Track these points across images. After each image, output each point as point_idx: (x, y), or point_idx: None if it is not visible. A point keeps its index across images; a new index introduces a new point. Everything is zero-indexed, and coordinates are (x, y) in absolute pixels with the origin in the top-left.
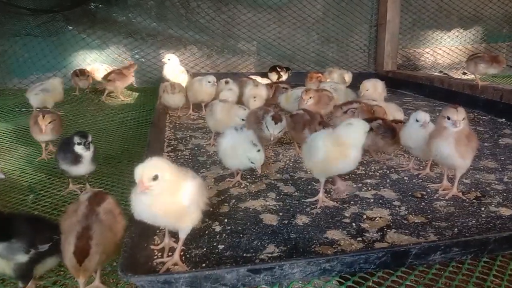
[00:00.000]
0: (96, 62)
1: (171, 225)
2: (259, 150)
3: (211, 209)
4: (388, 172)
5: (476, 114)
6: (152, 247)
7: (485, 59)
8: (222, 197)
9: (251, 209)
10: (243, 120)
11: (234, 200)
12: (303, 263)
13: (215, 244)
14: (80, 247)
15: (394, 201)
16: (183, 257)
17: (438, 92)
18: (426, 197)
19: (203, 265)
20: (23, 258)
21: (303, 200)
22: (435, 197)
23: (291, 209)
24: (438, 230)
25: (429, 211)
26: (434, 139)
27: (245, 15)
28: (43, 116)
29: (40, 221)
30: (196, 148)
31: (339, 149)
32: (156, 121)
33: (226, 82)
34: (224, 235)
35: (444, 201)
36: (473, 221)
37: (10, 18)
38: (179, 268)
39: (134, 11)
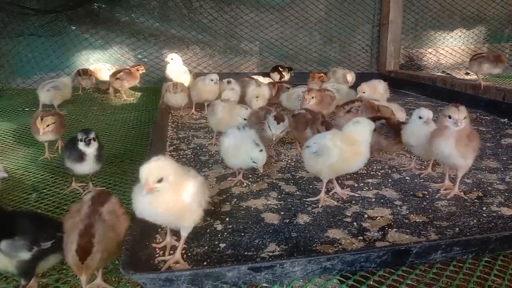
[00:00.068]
0: (99, 62)
1: (172, 224)
2: (261, 150)
3: (213, 208)
4: (389, 171)
5: (478, 114)
6: (154, 245)
7: (490, 59)
8: (224, 196)
9: (252, 208)
10: (245, 119)
11: (235, 199)
12: (304, 261)
13: (216, 242)
14: (83, 245)
15: (395, 201)
16: (185, 255)
17: (441, 92)
18: (427, 196)
19: (205, 263)
20: (26, 255)
21: (304, 199)
22: (436, 196)
23: (293, 208)
24: (439, 230)
25: (430, 211)
26: (435, 138)
27: (247, 15)
28: (42, 119)
29: (42, 218)
30: (198, 148)
31: (352, 148)
32: (158, 120)
33: (228, 82)
34: (225, 233)
35: (446, 201)
36: (475, 221)
37: (14, 18)
38: (181, 266)
39: (137, 11)
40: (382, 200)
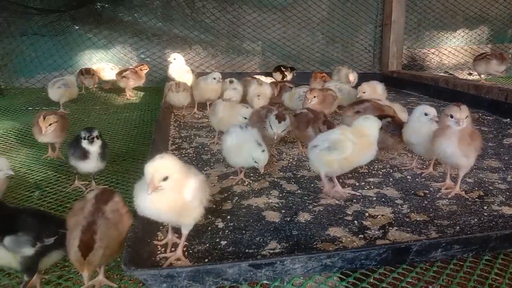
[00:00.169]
0: (102, 61)
1: (174, 221)
2: (263, 151)
3: (214, 206)
4: (391, 171)
5: (481, 114)
6: (156, 242)
7: (498, 57)
8: (225, 195)
9: (253, 206)
10: (245, 118)
11: (237, 198)
12: (304, 258)
13: (217, 240)
14: (85, 241)
15: (396, 200)
16: (186, 253)
17: (443, 93)
18: (428, 195)
19: (206, 260)
20: (29, 251)
21: (307, 196)
22: (437, 195)
23: (294, 206)
24: (440, 228)
25: (431, 210)
26: (437, 138)
27: (250, 15)
28: (44, 118)
29: (45, 215)
30: (200, 147)
31: (362, 140)
32: (161, 119)
33: (231, 82)
34: (226, 231)
35: (447, 200)
36: (475, 220)
37: (18, 17)
38: (182, 263)
39: (139, 11)
40: (383, 199)
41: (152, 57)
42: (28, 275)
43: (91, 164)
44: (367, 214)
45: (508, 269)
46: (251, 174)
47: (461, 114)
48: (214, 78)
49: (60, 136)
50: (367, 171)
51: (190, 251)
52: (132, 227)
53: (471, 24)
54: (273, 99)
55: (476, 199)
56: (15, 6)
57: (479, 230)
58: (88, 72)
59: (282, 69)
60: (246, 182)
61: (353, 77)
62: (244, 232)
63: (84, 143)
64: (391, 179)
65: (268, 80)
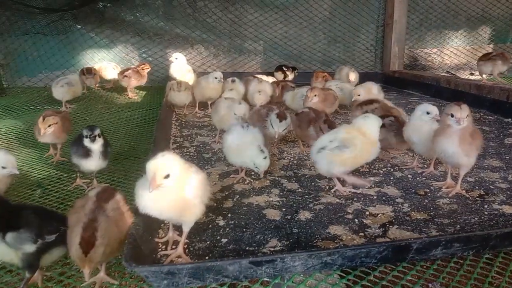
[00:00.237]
0: (103, 61)
1: (175, 219)
2: (265, 157)
3: (215, 204)
4: (392, 170)
5: (482, 114)
6: (157, 240)
7: (501, 58)
8: (226, 193)
9: (254, 205)
10: (235, 114)
11: (238, 196)
12: (304, 256)
13: (218, 237)
14: (86, 238)
15: (397, 198)
16: (187, 250)
17: (445, 92)
18: (429, 194)
19: (206, 257)
20: (30, 248)
21: (309, 194)
22: (438, 194)
23: (294, 205)
24: (440, 227)
25: (432, 208)
26: (438, 137)
27: (252, 15)
28: (44, 119)
29: (47, 212)
30: (201, 145)
31: (366, 138)
32: (162, 118)
33: (233, 81)
34: (227, 229)
35: (447, 199)
36: (476, 218)
37: (20, 16)
38: (183, 260)
39: (141, 11)
40: (383, 198)
41: (154, 56)
42: (29, 272)
43: (93, 162)
44: (367, 213)
45: (508, 267)
46: (252, 173)
47: (462, 113)
48: (216, 78)
49: (61, 137)
50: (368, 170)
51: (191, 249)
52: (133, 224)
53: (473, 24)
54: (275, 98)
55: (477, 198)
56: (18, 5)
57: (480, 228)
58: (89, 71)
59: (284, 68)
60: (247, 181)
61: (353, 76)
62: (244, 230)
63: (86, 142)
64: (392, 178)
65: (270, 79)
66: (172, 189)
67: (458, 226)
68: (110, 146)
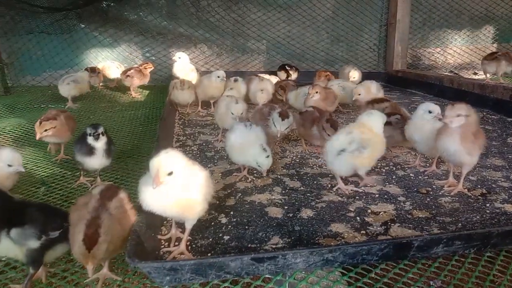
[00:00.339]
0: (107, 60)
1: (178, 216)
2: (268, 156)
3: (218, 202)
4: (394, 168)
5: (485, 114)
6: (159, 237)
7: (506, 57)
8: (229, 191)
9: (256, 203)
10: (232, 114)
11: (240, 194)
12: (306, 253)
13: (220, 235)
14: (90, 234)
15: (399, 197)
16: (189, 247)
17: (448, 92)
18: (431, 193)
19: (209, 254)
20: (35, 244)
21: (311, 193)
22: (440, 193)
23: (296, 203)
24: (442, 225)
25: (433, 207)
26: (439, 135)
27: (255, 14)
28: (40, 123)
29: (51, 209)
30: (204, 144)
31: (375, 134)
32: (165, 117)
33: (235, 80)
34: (229, 226)
35: (449, 197)
36: (478, 217)
37: (24, 16)
38: (185, 257)
39: (145, 10)
40: (385, 196)
41: (157, 55)
42: (33, 268)
43: (97, 160)
44: (369, 211)
45: (509, 266)
46: (255, 172)
47: (449, 112)
48: (218, 77)
49: (65, 136)
50: (370, 168)
51: (194, 246)
52: (136, 222)
53: (476, 24)
54: (277, 98)
55: (479, 197)
56: (22, 5)
57: (481, 227)
58: (93, 70)
59: (287, 68)
60: (250, 179)
61: (353, 75)
62: (247, 227)
63: (90, 140)
64: (394, 177)
65: (273, 79)
66: (175, 186)
67: (460, 224)
68: (114, 144)
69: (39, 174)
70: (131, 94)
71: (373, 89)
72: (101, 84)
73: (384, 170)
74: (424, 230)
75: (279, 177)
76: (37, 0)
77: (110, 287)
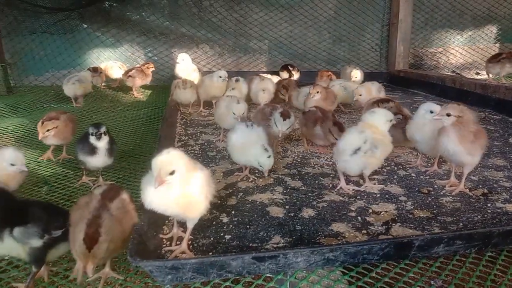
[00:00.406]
0: (109, 60)
1: (180, 215)
2: (269, 156)
3: (219, 201)
4: (395, 168)
5: (487, 114)
6: (161, 236)
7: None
8: (230, 190)
9: (258, 202)
10: (234, 114)
11: (241, 193)
12: (307, 252)
13: (222, 234)
14: (90, 233)
15: (400, 196)
16: (191, 246)
17: (450, 92)
18: (432, 193)
19: (210, 253)
20: (37, 242)
21: (313, 192)
22: (441, 193)
23: (298, 202)
24: (443, 225)
25: (435, 206)
26: (438, 136)
27: (257, 14)
28: (42, 123)
29: (54, 208)
30: (206, 144)
31: (382, 133)
32: (167, 117)
33: (237, 80)
34: (231, 226)
35: (451, 197)
36: (479, 217)
37: (27, 16)
38: (187, 256)
39: (147, 10)
40: (387, 196)
41: (160, 55)
42: (36, 266)
43: (99, 160)
44: (370, 211)
45: (510, 266)
46: (256, 171)
47: (442, 110)
48: (220, 77)
49: (66, 138)
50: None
51: (195, 245)
52: (138, 220)
53: (479, 23)
54: (280, 97)
55: (480, 197)
56: (25, 5)
57: (482, 226)
58: (95, 70)
59: (290, 68)
60: (251, 179)
61: (355, 74)
62: (248, 226)
63: (92, 139)
64: (395, 177)
65: (274, 78)
66: (178, 185)
67: (461, 224)
68: (116, 143)
69: (41, 173)
70: (133, 94)
71: (374, 90)
72: (103, 84)
73: (385, 170)
74: (425, 230)
75: (280, 176)
76: (40, 0)
77: (112, 286)
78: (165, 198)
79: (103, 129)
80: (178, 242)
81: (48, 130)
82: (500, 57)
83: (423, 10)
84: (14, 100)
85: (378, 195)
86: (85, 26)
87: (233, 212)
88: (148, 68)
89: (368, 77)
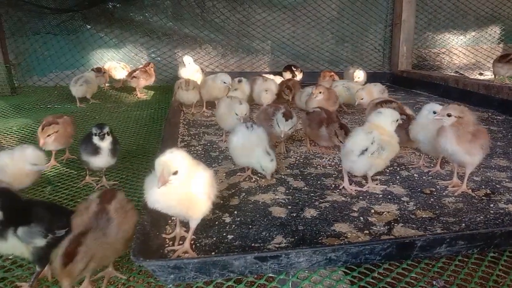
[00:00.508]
0: (113, 60)
1: (182, 215)
2: (272, 160)
3: (222, 202)
4: (398, 169)
5: (490, 114)
6: (164, 235)
7: None
8: (233, 190)
9: (260, 202)
10: (236, 114)
11: (244, 194)
12: (309, 252)
13: (224, 234)
14: (68, 251)
15: (402, 197)
16: (194, 246)
17: (453, 92)
18: (435, 193)
19: (213, 253)
20: (41, 242)
21: (315, 192)
22: (444, 193)
23: (300, 202)
24: (445, 225)
25: (437, 207)
26: (437, 136)
27: (259, 15)
28: (43, 129)
29: (57, 208)
30: (208, 144)
31: (389, 134)
32: (170, 117)
33: (239, 81)
34: (233, 226)
35: (453, 198)
36: (481, 217)
37: (31, 17)
38: (189, 256)
39: (150, 11)
40: (389, 196)
41: (163, 56)
42: (40, 266)
43: (102, 160)
44: (373, 211)
45: None
46: (258, 172)
47: (442, 111)
48: (224, 82)
49: (66, 143)
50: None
51: (198, 245)
52: (141, 220)
53: (482, 24)
54: (284, 97)
55: (483, 197)
56: (29, 6)
57: (485, 227)
58: (99, 70)
59: (293, 68)
60: (253, 179)
61: (358, 75)
62: (250, 226)
63: (95, 139)
64: (398, 177)
65: (277, 79)
66: (181, 185)
67: (463, 224)
68: (119, 144)
69: (45, 173)
70: (136, 95)
71: (376, 92)
72: (106, 84)
73: (388, 170)
74: (427, 230)
75: (283, 177)
76: (44, 1)
77: (115, 285)
78: (168, 198)
79: (106, 130)
80: (180, 242)
81: (49, 135)
82: (509, 58)
83: (426, 11)
84: (18, 101)
85: (381, 196)
86: (89, 27)
87: (235, 212)
88: (150, 68)
89: (371, 77)
